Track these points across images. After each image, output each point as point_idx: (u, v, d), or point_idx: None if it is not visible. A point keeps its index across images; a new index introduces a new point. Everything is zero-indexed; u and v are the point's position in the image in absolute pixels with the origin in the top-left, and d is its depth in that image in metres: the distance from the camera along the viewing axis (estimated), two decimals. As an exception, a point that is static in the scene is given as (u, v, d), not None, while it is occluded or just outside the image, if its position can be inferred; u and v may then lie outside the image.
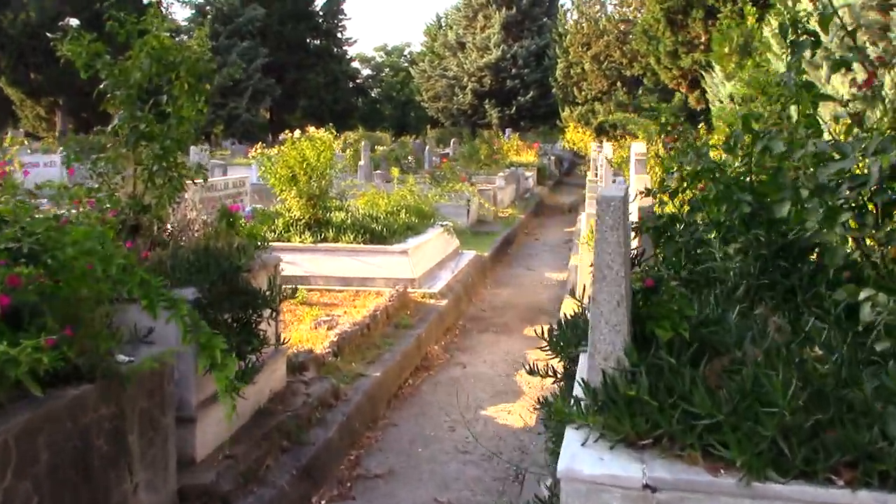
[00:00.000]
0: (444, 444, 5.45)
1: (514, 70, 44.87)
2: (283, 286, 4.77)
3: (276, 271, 4.96)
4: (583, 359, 2.69)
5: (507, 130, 36.38)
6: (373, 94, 59.43)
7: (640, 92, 32.15)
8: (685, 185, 3.35)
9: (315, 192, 9.42)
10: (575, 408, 2.26)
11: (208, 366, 3.52)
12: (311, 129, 9.97)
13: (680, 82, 25.00)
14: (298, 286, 8.56)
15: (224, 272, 4.25)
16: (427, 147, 23.95)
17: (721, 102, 15.08)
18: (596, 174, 21.31)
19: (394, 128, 50.98)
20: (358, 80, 56.72)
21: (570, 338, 3.04)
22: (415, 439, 5.53)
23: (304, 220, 9.48)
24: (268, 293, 4.49)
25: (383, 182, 16.28)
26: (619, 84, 34.38)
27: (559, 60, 37.42)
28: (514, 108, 44.79)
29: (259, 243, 4.82)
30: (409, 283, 8.88)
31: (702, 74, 18.83)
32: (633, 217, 3.84)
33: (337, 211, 10.17)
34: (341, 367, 6.12)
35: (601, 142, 30.07)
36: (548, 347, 3.10)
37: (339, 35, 50.38)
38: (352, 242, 9.25)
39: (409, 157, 20.92)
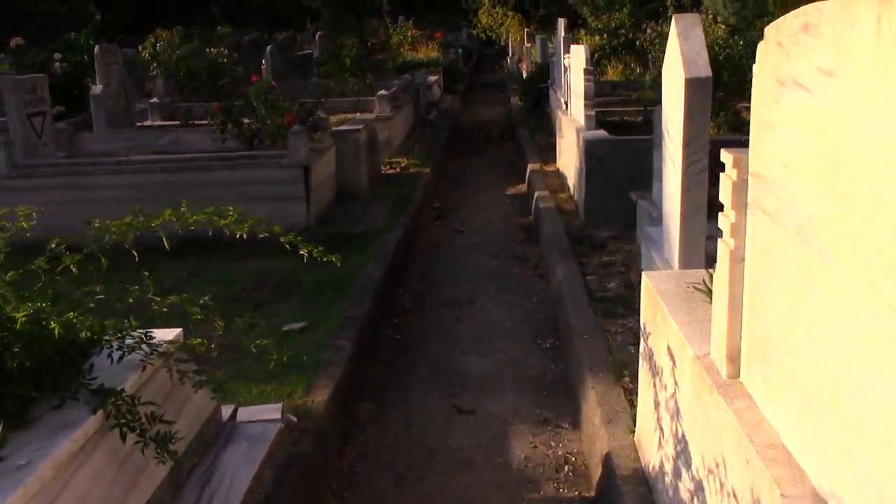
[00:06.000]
0: None
1: (403, -61, 35.40)
2: None
3: None
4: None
5: (400, 18, 27.48)
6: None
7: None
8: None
9: None
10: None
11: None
12: None
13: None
14: None
15: None
16: (269, 49, 14.94)
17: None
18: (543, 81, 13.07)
19: (266, 21, 41.92)
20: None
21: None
22: None
23: None
24: None
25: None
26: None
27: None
28: (406, -10, 35.66)
29: None
30: None
31: None
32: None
33: None
34: None
35: (532, 33, 21.34)
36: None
37: None
38: None
39: (225, 79, 11.80)
